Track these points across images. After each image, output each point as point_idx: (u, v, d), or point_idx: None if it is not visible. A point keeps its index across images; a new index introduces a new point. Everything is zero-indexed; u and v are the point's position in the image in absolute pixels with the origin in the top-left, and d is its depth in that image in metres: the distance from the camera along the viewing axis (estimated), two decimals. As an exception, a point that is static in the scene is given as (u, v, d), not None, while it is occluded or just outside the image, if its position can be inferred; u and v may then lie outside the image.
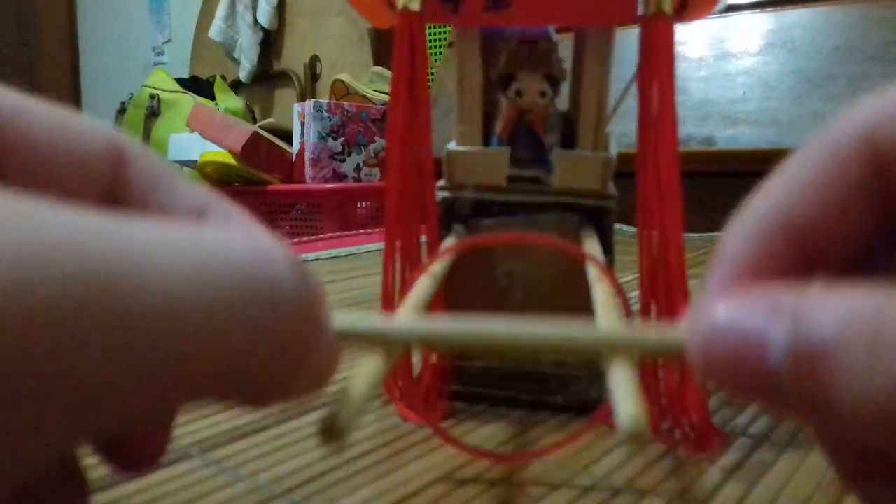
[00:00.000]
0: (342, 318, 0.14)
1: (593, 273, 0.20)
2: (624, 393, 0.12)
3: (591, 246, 0.24)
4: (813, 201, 0.13)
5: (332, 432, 0.11)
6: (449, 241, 0.24)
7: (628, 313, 0.19)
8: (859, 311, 0.10)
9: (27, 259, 0.08)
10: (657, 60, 0.22)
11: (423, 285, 0.19)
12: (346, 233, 0.84)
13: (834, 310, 0.10)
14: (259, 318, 0.10)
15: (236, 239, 0.10)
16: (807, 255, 0.13)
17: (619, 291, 0.19)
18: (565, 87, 0.26)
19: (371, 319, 0.14)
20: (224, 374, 0.10)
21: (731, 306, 0.11)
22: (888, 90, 0.13)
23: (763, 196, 0.14)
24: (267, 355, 0.10)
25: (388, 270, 0.24)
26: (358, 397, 0.12)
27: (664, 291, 0.23)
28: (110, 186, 0.15)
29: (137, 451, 0.15)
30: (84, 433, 0.09)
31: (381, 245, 0.74)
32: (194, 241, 0.10)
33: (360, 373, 0.13)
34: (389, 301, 0.24)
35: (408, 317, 0.16)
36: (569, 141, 0.26)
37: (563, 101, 0.27)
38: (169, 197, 0.16)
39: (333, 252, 0.65)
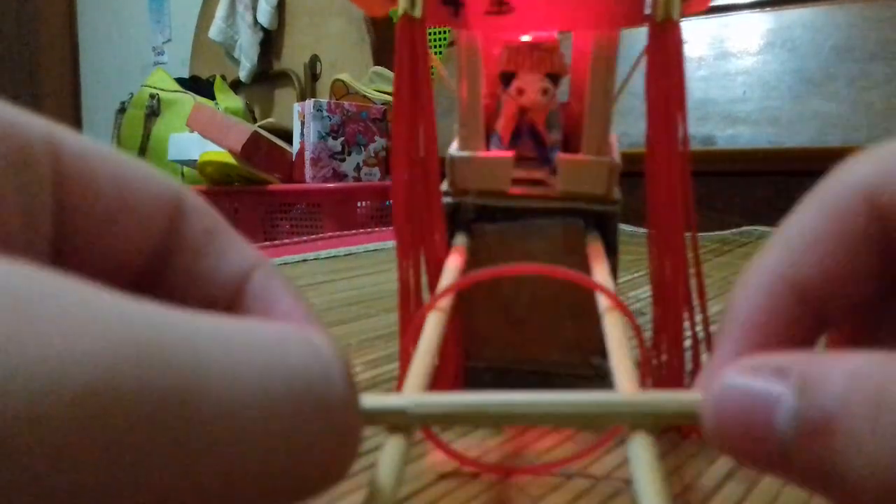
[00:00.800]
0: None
1: (604, 303, 0.19)
2: (645, 480, 0.12)
3: (597, 252, 0.24)
4: (817, 260, 0.13)
5: None
6: (450, 265, 0.24)
7: (640, 340, 0.19)
8: (861, 376, 0.10)
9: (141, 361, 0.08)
10: (667, 65, 0.22)
11: (433, 323, 0.19)
12: (345, 232, 0.84)
13: (838, 375, 0.10)
14: (314, 423, 0.10)
15: (292, 339, 0.11)
16: (815, 311, 0.13)
17: (631, 319, 0.18)
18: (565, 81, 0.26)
19: (388, 399, 0.14)
20: (275, 475, 0.10)
21: (739, 372, 0.11)
22: (885, 146, 0.13)
23: (767, 256, 0.14)
24: (317, 457, 0.10)
25: (404, 271, 0.24)
26: (387, 492, 0.12)
27: (671, 301, 0.23)
28: (165, 238, 0.15)
29: None
30: None
31: (380, 245, 0.74)
32: (253, 343, 0.10)
33: (384, 464, 0.13)
34: (407, 303, 0.24)
35: (422, 395, 0.16)
36: (570, 137, 0.26)
37: (562, 92, 0.26)
38: (220, 254, 0.16)
39: (333, 252, 0.65)
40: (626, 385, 0.16)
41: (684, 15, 0.23)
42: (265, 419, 0.09)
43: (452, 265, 0.24)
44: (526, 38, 0.25)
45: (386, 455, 0.13)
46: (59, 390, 0.08)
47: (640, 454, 0.13)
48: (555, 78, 0.25)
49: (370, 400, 0.14)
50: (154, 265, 0.15)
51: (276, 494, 0.10)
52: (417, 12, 0.22)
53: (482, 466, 0.21)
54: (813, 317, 0.13)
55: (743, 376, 0.11)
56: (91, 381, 0.08)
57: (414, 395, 0.15)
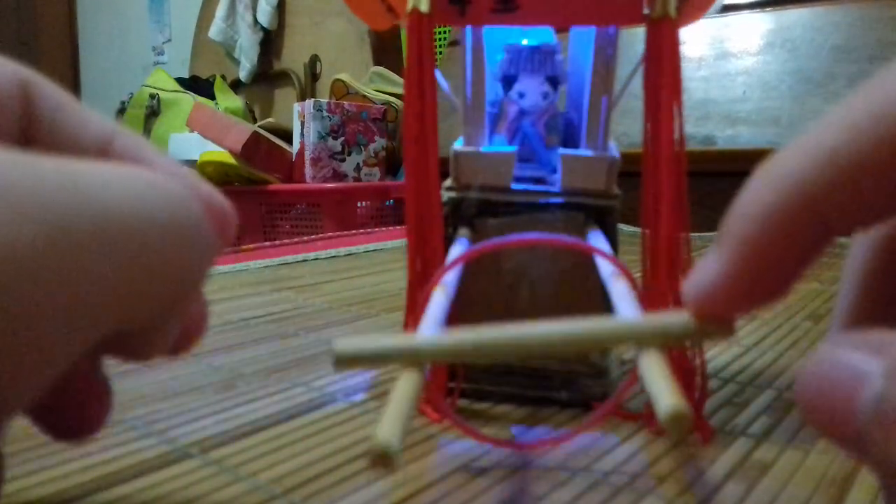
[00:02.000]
0: (371, 341, 0.14)
1: (609, 270, 0.20)
2: (658, 381, 0.12)
3: (600, 244, 0.24)
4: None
5: (385, 458, 0.12)
6: (457, 247, 0.24)
7: (644, 307, 0.19)
8: None
9: (21, 200, 0.11)
10: (663, 62, 0.22)
11: (438, 298, 0.19)
12: (345, 232, 0.84)
13: None
14: (178, 235, 0.13)
15: (167, 182, 0.13)
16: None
17: (635, 286, 0.19)
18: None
19: (400, 338, 0.15)
20: (160, 273, 0.13)
21: (840, 343, 0.11)
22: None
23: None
24: (189, 263, 0.14)
25: (412, 269, 0.24)
26: (402, 419, 0.12)
27: (663, 286, 0.23)
28: (22, 117, 0.16)
29: (78, 417, 0.16)
30: (86, 335, 0.12)
31: (381, 245, 0.74)
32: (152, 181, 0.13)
33: (398, 393, 0.13)
34: (414, 300, 0.24)
35: (432, 332, 0.16)
36: (569, 142, 0.26)
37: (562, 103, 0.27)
38: (76, 126, 0.17)
39: (333, 252, 0.65)
40: (631, 313, 0.16)
41: (681, 25, 0.23)
42: (161, 230, 0.13)
43: (457, 252, 0.24)
44: (526, 41, 0.25)
45: (400, 385, 0.13)
46: None
47: (652, 365, 0.13)
48: (554, 82, 0.25)
49: (382, 339, 0.14)
50: (18, 144, 0.16)
51: (162, 286, 0.13)
52: (425, 7, 0.23)
53: (494, 441, 0.21)
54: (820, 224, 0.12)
55: (841, 348, 0.11)
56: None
57: (424, 333, 0.15)
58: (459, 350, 0.15)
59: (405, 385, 0.13)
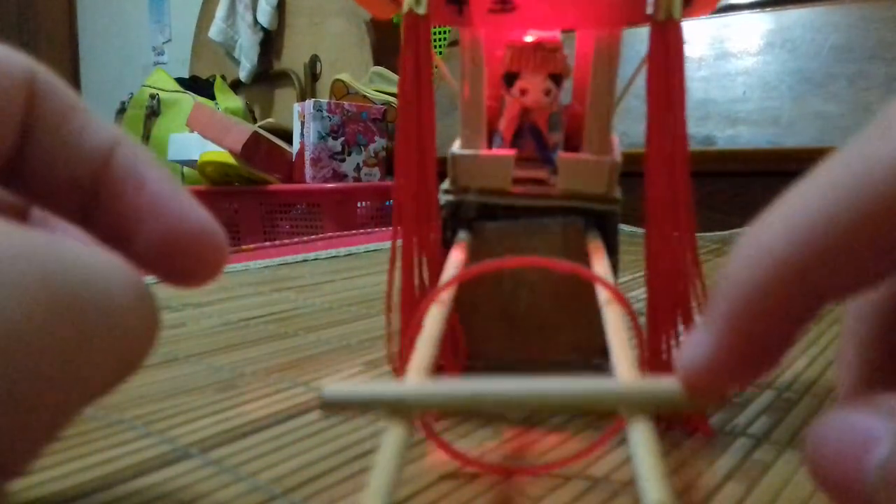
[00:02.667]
0: (359, 390, 0.14)
1: (604, 295, 0.20)
2: (646, 465, 0.12)
3: (598, 250, 0.24)
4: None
5: None
6: (453, 259, 0.24)
7: (639, 334, 0.19)
8: None
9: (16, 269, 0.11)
10: (667, 65, 0.22)
11: (435, 316, 0.19)
12: (345, 232, 0.84)
13: None
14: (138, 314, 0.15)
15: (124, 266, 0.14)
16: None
17: (630, 312, 0.19)
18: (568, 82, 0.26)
19: (388, 387, 0.14)
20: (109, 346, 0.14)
21: (853, 405, 0.11)
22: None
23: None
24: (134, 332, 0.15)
25: (406, 273, 0.24)
26: (388, 481, 0.13)
27: (673, 299, 0.23)
28: (24, 118, 0.15)
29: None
30: (81, 400, 0.13)
31: (380, 245, 0.74)
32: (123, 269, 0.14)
33: (384, 453, 0.13)
34: (409, 303, 0.24)
35: (420, 381, 0.16)
36: (572, 138, 0.26)
37: (565, 95, 0.26)
38: (80, 131, 0.16)
39: (333, 252, 0.65)
40: (625, 372, 0.16)
41: (688, 17, 0.23)
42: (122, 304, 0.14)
43: (455, 260, 0.24)
44: (529, 38, 0.25)
45: (387, 442, 0.13)
46: None
47: (641, 438, 0.13)
48: (557, 79, 0.25)
49: (371, 387, 0.14)
50: (17, 146, 0.16)
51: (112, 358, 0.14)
52: (422, 9, 0.22)
53: (484, 466, 0.21)
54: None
55: (851, 412, 0.11)
56: None
57: (414, 382, 0.15)
58: (449, 404, 0.15)
59: (391, 442, 0.13)
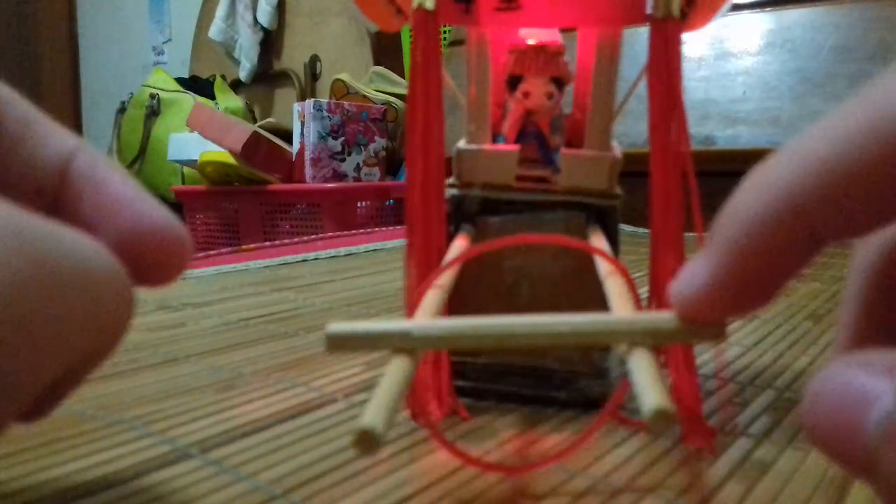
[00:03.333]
0: (364, 325, 0.14)
1: (605, 268, 0.20)
2: (645, 380, 0.12)
3: (600, 243, 0.24)
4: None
5: (367, 441, 0.12)
6: (456, 245, 0.24)
7: (639, 305, 0.19)
8: None
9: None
10: (665, 62, 0.22)
11: (433, 297, 0.19)
12: (345, 232, 0.84)
13: None
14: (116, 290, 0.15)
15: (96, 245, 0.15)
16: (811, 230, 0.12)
17: (632, 285, 0.19)
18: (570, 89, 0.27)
19: (392, 323, 0.15)
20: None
21: (848, 363, 0.11)
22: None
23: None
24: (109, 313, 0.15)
25: (410, 269, 0.24)
26: (388, 404, 0.13)
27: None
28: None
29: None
30: (60, 359, 0.14)
31: (380, 245, 0.74)
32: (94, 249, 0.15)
33: (387, 379, 0.13)
34: (412, 299, 0.24)
35: (426, 319, 0.16)
36: (573, 144, 0.26)
37: (566, 104, 0.27)
38: (39, 140, 0.17)
39: (333, 252, 0.65)
40: (623, 311, 0.16)
41: (687, 30, 0.23)
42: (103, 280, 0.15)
43: (458, 245, 0.24)
44: (532, 42, 0.25)
45: (391, 371, 0.14)
46: None
47: (639, 363, 0.13)
48: (559, 82, 0.25)
49: (376, 324, 0.15)
50: None
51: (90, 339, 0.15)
52: (430, 4, 0.23)
53: (483, 465, 0.21)
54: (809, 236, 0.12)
55: (850, 368, 0.10)
56: None
57: (419, 320, 0.15)
58: (451, 337, 0.15)
59: (395, 371, 0.14)
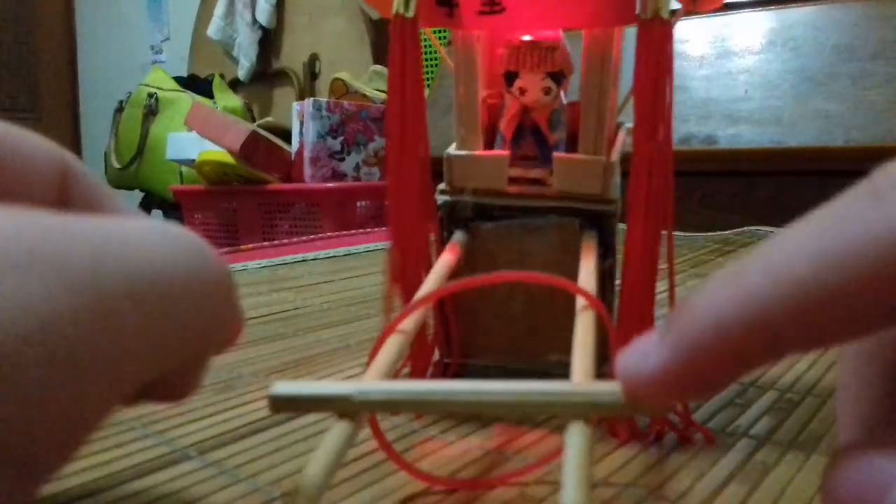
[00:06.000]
0: (308, 386, 0.15)
1: (581, 301, 0.20)
2: (572, 466, 0.12)
3: (589, 253, 0.24)
4: None
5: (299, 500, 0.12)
6: (442, 260, 0.24)
7: (613, 341, 0.19)
8: None
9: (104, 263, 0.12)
10: (654, 63, 0.22)
11: (392, 345, 0.18)
12: (345, 232, 0.84)
13: None
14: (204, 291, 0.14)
15: (187, 234, 0.14)
16: None
17: (606, 319, 0.19)
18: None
19: (335, 386, 0.15)
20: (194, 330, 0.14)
21: (860, 448, 0.11)
22: None
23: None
24: (211, 315, 0.15)
25: (394, 271, 0.24)
26: (324, 471, 0.13)
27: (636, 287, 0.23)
28: (56, 201, 0.17)
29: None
30: (123, 388, 0.13)
31: (380, 245, 0.74)
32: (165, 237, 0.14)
33: (325, 446, 0.13)
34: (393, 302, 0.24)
35: (370, 382, 0.16)
36: (576, 137, 0.26)
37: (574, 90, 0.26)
38: (107, 213, 0.18)
39: (332, 252, 0.65)
40: (579, 378, 0.16)
41: (697, 12, 0.23)
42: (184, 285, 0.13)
43: (443, 262, 0.24)
44: (527, 37, 0.25)
45: (328, 438, 0.14)
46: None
47: (573, 442, 0.13)
48: (557, 77, 0.25)
49: (319, 386, 0.15)
50: None
51: (195, 345, 0.14)
52: (410, 13, 0.23)
53: (452, 484, 0.20)
54: None
55: (868, 453, 0.11)
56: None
57: (364, 382, 0.15)
58: (393, 403, 0.15)
59: (333, 437, 0.14)
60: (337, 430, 0.14)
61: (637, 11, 0.22)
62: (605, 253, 0.25)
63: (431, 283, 0.22)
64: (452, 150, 0.26)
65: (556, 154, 0.25)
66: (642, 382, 0.13)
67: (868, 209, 0.11)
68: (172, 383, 0.16)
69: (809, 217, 0.12)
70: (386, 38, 0.24)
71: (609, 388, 0.14)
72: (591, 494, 0.12)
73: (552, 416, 0.25)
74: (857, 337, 0.12)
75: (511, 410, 0.15)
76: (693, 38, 0.83)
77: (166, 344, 0.13)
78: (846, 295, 0.11)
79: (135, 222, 0.13)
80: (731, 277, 0.12)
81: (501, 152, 0.25)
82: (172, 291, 0.13)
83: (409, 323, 0.19)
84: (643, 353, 0.13)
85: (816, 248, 0.11)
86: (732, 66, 0.80)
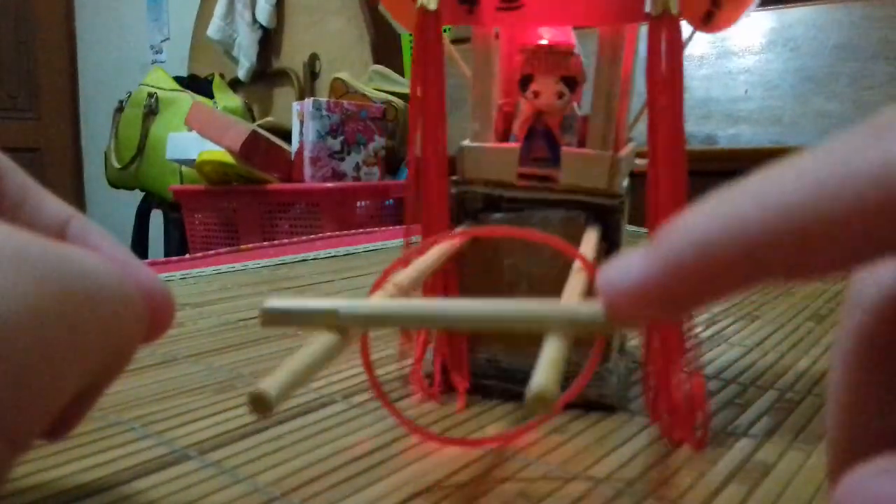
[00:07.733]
0: (299, 303, 0.15)
1: (577, 265, 0.20)
2: (545, 362, 0.13)
3: (589, 241, 0.24)
4: None
5: (259, 404, 0.13)
6: (450, 241, 0.25)
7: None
8: None
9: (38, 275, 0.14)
10: (664, 60, 0.22)
11: (403, 275, 0.20)
12: (344, 232, 0.84)
13: None
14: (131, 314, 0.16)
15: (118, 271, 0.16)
16: None
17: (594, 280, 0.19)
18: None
19: (323, 302, 0.15)
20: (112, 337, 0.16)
21: (871, 470, 0.11)
22: None
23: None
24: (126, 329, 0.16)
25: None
26: (292, 373, 0.13)
27: None
28: None
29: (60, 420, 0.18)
30: (78, 377, 0.15)
31: (380, 245, 0.74)
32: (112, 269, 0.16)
33: (303, 350, 0.14)
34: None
35: (359, 301, 0.16)
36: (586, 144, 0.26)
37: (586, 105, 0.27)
38: (37, 207, 0.19)
39: (332, 251, 0.65)
40: (568, 298, 0.17)
41: (713, 30, 0.23)
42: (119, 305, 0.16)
43: (447, 245, 0.24)
44: (544, 41, 0.25)
45: (314, 342, 0.14)
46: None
47: (550, 347, 0.14)
48: (570, 82, 0.25)
49: (308, 302, 0.15)
50: None
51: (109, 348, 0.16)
52: (433, 5, 0.23)
53: (441, 440, 0.21)
54: None
55: (873, 475, 0.11)
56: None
57: (353, 300, 0.16)
58: (378, 318, 0.16)
59: (314, 345, 0.14)
60: (323, 339, 0.15)
61: (647, 9, 0.23)
62: (610, 248, 0.25)
63: (434, 257, 0.22)
64: (466, 142, 0.27)
65: (564, 149, 0.26)
66: (622, 292, 0.13)
67: (868, 146, 0.11)
68: (66, 411, 0.17)
69: (805, 153, 0.12)
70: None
71: (590, 307, 0.14)
72: (558, 385, 0.12)
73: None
74: (837, 269, 0.12)
75: (493, 324, 0.15)
76: (693, 37, 0.83)
77: (100, 349, 0.15)
78: (836, 224, 0.11)
79: (82, 250, 0.16)
80: (721, 201, 0.12)
81: (512, 144, 0.26)
82: (110, 307, 0.15)
83: (402, 277, 0.20)
84: (626, 266, 0.13)
85: (812, 179, 0.11)
86: (732, 65, 0.80)
